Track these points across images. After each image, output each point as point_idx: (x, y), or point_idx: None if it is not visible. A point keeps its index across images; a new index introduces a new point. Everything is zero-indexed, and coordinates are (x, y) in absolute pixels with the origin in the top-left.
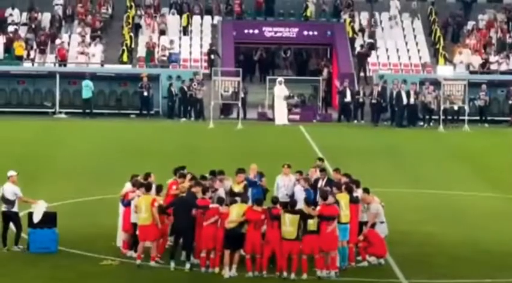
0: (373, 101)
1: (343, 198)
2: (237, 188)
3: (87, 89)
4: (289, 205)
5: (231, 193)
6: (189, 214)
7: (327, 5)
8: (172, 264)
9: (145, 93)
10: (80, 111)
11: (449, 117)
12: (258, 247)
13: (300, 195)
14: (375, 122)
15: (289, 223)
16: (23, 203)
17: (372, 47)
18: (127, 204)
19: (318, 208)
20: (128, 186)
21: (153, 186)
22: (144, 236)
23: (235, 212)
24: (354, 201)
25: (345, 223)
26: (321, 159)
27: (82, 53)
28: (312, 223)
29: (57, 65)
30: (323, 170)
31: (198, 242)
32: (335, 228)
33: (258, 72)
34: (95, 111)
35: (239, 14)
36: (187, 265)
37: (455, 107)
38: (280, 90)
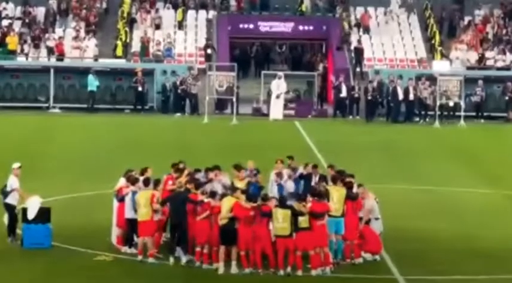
0: (369, 97)
1: (337, 191)
2: (240, 184)
3: (92, 82)
4: (279, 201)
5: (233, 189)
6: (183, 209)
7: (321, 0)
8: (172, 259)
9: (140, 88)
10: (76, 105)
11: (445, 113)
12: (250, 244)
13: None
14: (368, 118)
15: (281, 219)
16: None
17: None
18: (121, 199)
19: (309, 204)
20: (122, 181)
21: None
22: (143, 232)
23: (225, 206)
24: (351, 197)
25: (336, 217)
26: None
27: (76, 48)
28: (303, 220)
29: (51, 59)
30: (315, 166)
31: (191, 237)
32: (324, 223)
33: (253, 67)
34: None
35: (240, 9)
36: (184, 260)
37: (451, 103)
38: (279, 85)
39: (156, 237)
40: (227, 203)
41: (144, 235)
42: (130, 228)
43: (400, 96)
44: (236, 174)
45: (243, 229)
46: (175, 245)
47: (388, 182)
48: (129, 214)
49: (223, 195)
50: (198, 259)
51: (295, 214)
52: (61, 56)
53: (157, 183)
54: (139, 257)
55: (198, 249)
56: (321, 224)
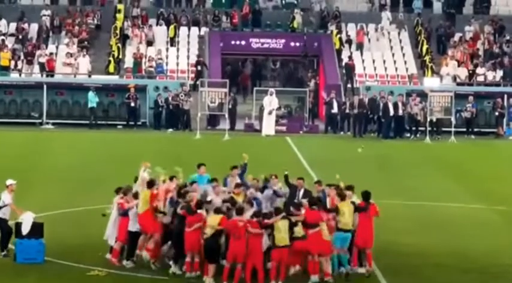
0: (355, 111)
1: (346, 206)
2: (239, 198)
3: (92, 99)
4: (275, 211)
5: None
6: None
7: (314, 17)
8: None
9: (133, 104)
10: (68, 121)
11: (436, 129)
12: (240, 257)
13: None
14: (357, 134)
15: (283, 230)
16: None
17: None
18: (123, 213)
19: (303, 211)
20: (117, 199)
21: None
22: (143, 224)
23: (210, 222)
24: (360, 209)
25: (345, 231)
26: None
27: (69, 64)
28: (298, 230)
29: (44, 75)
30: (301, 178)
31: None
32: (320, 231)
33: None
34: (83, 122)
35: (232, 25)
36: (178, 271)
37: (434, 119)
38: (270, 101)
39: (155, 250)
40: (213, 220)
41: (144, 227)
42: (132, 241)
43: (391, 112)
44: (234, 190)
45: (233, 243)
46: (172, 259)
47: (379, 197)
48: (133, 227)
49: (217, 210)
50: (189, 269)
51: (291, 224)
52: (51, 72)
53: (152, 183)
54: (138, 252)
55: (188, 259)
56: (315, 231)
